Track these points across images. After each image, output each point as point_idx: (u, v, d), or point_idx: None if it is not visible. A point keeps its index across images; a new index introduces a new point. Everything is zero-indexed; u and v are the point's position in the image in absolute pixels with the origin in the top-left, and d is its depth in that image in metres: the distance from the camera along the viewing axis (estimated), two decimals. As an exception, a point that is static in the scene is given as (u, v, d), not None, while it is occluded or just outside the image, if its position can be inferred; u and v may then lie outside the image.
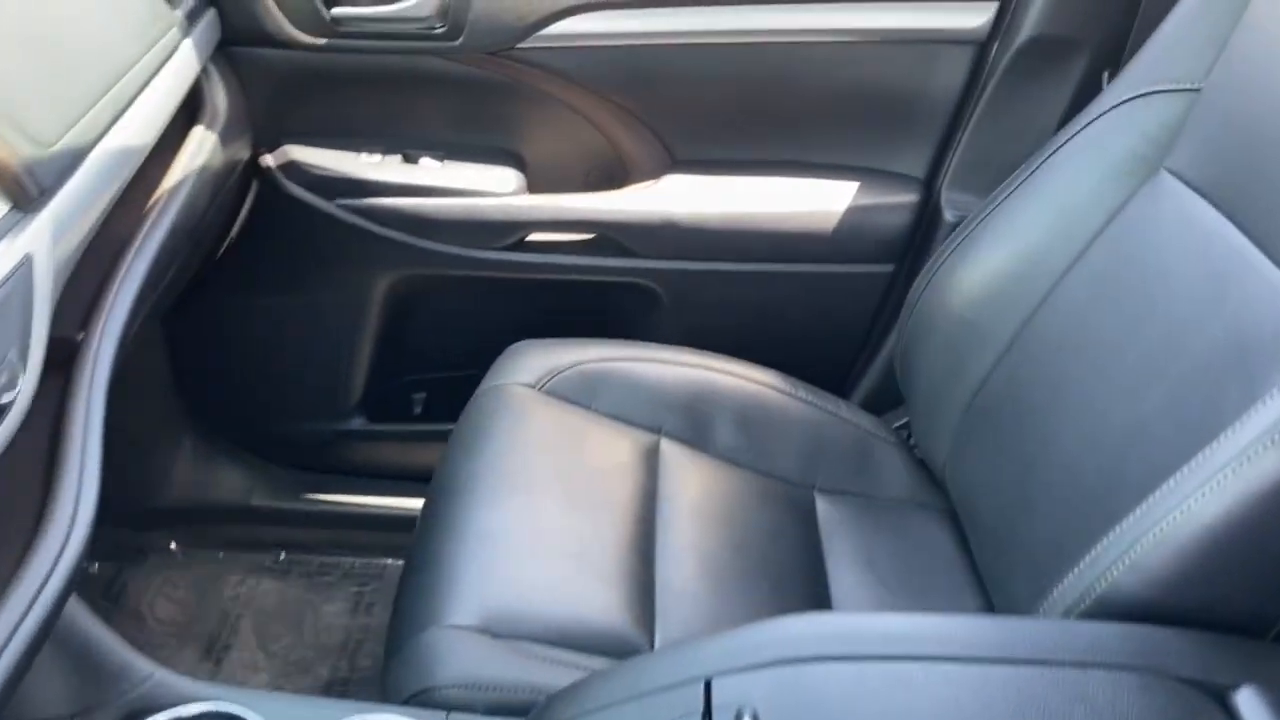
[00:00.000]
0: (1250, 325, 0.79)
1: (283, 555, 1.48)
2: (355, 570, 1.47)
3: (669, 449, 1.13)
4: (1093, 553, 0.75)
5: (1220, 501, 0.68)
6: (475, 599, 0.90)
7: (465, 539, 0.96)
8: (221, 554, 1.48)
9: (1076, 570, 0.75)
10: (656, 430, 1.14)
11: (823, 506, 1.14)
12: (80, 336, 0.82)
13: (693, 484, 1.09)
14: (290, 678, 1.31)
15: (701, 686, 0.63)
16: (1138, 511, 0.74)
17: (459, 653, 0.85)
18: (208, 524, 1.48)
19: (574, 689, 0.72)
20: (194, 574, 1.44)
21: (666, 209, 1.29)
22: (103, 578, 1.41)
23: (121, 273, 0.87)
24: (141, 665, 0.74)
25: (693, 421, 1.15)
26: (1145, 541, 0.71)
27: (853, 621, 0.70)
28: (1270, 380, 0.75)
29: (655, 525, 1.03)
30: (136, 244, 0.91)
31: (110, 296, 0.84)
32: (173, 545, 1.47)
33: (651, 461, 1.10)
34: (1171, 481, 0.73)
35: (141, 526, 1.47)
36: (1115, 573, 0.72)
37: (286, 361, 1.43)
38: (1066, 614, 0.74)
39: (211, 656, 1.33)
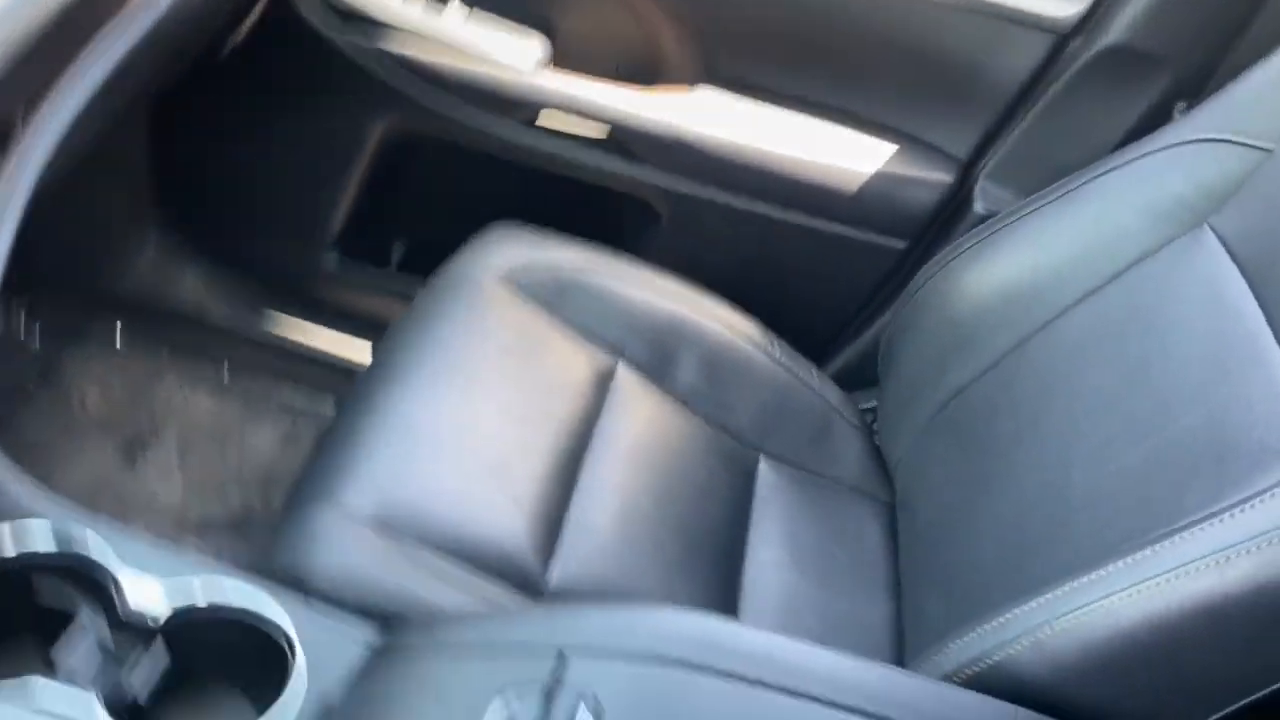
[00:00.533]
0: (1237, 424, 0.74)
1: (226, 371, 1.45)
2: (294, 405, 1.44)
3: (625, 376, 1.08)
4: (1003, 618, 0.71)
5: (1144, 608, 0.64)
6: (380, 486, 0.87)
7: (388, 423, 0.92)
8: (165, 354, 1.44)
9: (982, 630, 0.72)
10: (618, 353, 1.09)
11: (764, 472, 1.10)
12: (20, 118, 0.76)
13: (638, 419, 1.05)
14: (200, 496, 1.29)
15: (555, 656, 0.59)
16: (1061, 590, 0.70)
17: (345, 540, 0.82)
18: (157, 322, 1.45)
19: (432, 622, 0.70)
20: (133, 370, 1.41)
21: (690, 124, 1.21)
22: (42, 357, 1.38)
23: (83, 57, 0.80)
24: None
25: (657, 353, 1.10)
26: (1057, 625, 0.67)
27: (733, 633, 0.66)
28: (1242, 487, 0.70)
29: (585, 456, 0.99)
30: (108, 29, 0.83)
31: (63, 81, 0.78)
32: (118, 336, 1.43)
33: (603, 385, 1.06)
34: (1103, 570, 0.68)
35: (90, 307, 1.43)
36: (1018, 647, 0.68)
37: (268, 181, 1.37)
38: (958, 671, 0.71)
39: (129, 456, 1.31)
